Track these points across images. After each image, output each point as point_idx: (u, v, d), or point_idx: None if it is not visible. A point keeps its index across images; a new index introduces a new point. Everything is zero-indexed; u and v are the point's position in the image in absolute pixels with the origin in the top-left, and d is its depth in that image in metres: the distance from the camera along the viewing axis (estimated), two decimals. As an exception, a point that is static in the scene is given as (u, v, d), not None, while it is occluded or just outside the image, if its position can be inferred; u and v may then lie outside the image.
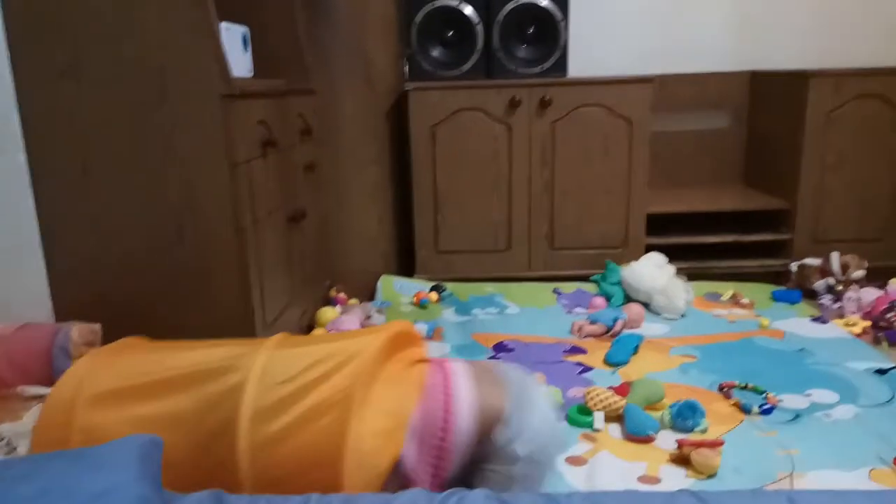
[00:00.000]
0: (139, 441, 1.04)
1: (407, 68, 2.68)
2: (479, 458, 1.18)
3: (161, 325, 1.77)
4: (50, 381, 1.51)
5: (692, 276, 2.66)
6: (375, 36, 2.58)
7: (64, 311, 1.72)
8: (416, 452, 1.15)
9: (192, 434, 1.15)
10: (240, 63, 1.90)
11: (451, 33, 2.63)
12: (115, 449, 1.02)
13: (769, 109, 2.90)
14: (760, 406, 1.72)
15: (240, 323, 1.76)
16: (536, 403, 1.23)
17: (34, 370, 1.57)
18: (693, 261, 2.71)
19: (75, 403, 1.18)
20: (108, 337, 1.66)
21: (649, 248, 2.65)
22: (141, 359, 1.27)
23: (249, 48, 1.99)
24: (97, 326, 1.65)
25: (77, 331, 1.61)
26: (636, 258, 2.58)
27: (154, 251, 1.71)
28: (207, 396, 1.16)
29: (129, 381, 1.21)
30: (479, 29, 2.59)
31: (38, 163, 1.67)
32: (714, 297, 2.57)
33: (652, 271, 2.46)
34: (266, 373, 1.16)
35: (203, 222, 1.69)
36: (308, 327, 2.27)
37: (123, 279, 1.73)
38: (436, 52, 2.63)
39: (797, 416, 1.70)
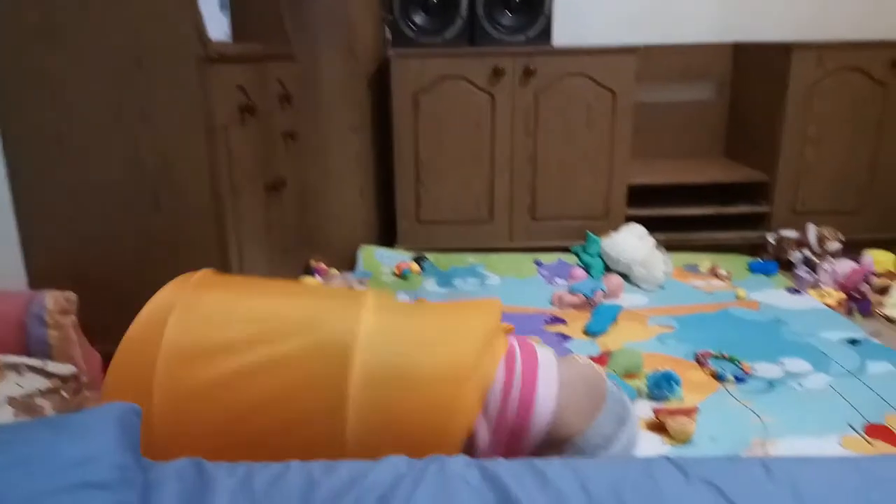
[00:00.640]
0: (119, 409, 1.03)
1: (389, 35, 2.63)
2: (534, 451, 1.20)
3: (137, 294, 1.75)
4: (24, 349, 1.50)
5: (671, 247, 2.68)
6: (357, 0, 2.52)
7: (38, 279, 1.69)
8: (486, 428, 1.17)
9: (292, 390, 1.12)
10: (217, 26, 1.85)
11: (433, -1, 2.58)
12: (94, 417, 1.01)
13: (751, 81, 2.90)
14: (735, 375, 1.75)
15: (219, 292, 1.74)
16: (629, 422, 1.24)
17: (8, 339, 1.55)
18: (672, 232, 2.73)
19: (157, 350, 1.16)
20: (83, 306, 1.64)
21: (630, 220, 2.67)
22: (228, 305, 1.22)
23: (227, 11, 1.94)
24: (72, 295, 1.62)
25: (52, 299, 1.58)
26: (616, 229, 2.59)
27: (130, 219, 1.69)
28: (309, 352, 1.14)
29: (217, 331, 1.17)
30: (463, -5, 2.55)
31: (10, 128, 1.62)
32: (692, 269, 2.59)
33: (632, 242, 2.47)
34: (374, 340, 1.15)
35: (180, 190, 1.67)
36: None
37: (99, 247, 1.71)
38: (418, 19, 2.59)
39: (771, 384, 1.73)
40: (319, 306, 1.22)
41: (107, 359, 1.69)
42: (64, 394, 1.54)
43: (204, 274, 1.33)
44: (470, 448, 1.16)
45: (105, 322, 1.75)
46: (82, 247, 1.71)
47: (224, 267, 1.72)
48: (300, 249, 2.48)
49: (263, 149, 2.02)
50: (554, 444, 1.19)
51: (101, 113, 1.61)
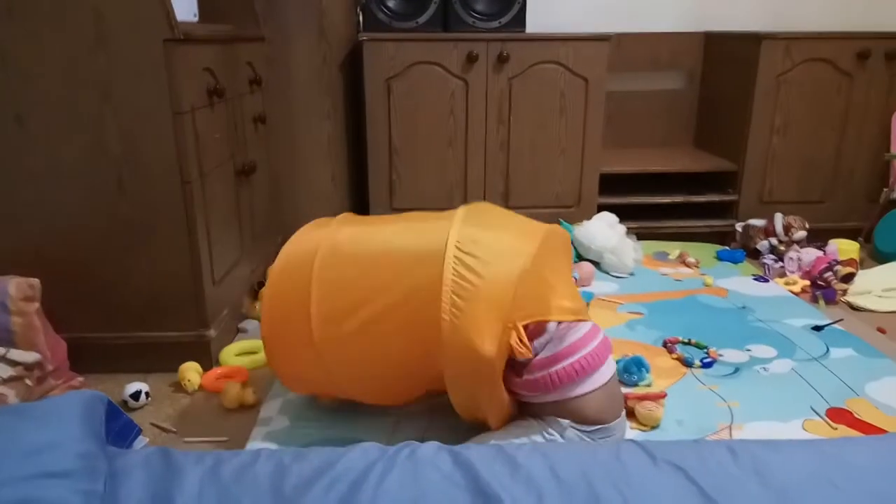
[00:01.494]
0: (83, 397, 1.02)
1: (361, 18, 2.60)
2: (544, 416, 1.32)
3: (102, 281, 1.72)
4: (-14, 336, 1.46)
5: (642, 235, 2.71)
6: (328, -17, 2.49)
7: (0, 265, 1.65)
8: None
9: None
10: (185, 6, 1.81)
11: (407, -17, 2.56)
12: (57, 405, 1.00)
13: (721, 71, 2.93)
14: (702, 360, 1.78)
15: (186, 279, 1.72)
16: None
17: (-31, 326, 1.51)
18: (643, 220, 2.76)
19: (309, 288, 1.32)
20: (48, 293, 1.60)
21: (601, 208, 2.69)
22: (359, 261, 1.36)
23: (195, -9, 1.90)
24: (35, 281, 1.59)
25: (15, 286, 1.55)
26: (588, 217, 2.61)
27: (94, 204, 1.65)
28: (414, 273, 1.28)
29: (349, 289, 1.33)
30: (436, -20, 2.52)
31: (-33, 109, 1.57)
32: (662, 256, 2.62)
33: (604, 230, 2.49)
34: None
35: (146, 174, 1.63)
36: (259, 284, 2.23)
37: (62, 233, 1.67)
38: (391, 3, 2.56)
39: (737, 370, 1.77)
40: (425, 231, 1.37)
41: (72, 346, 1.66)
42: (28, 382, 1.51)
43: (344, 217, 1.54)
44: (517, 361, 1.28)
45: (70, 309, 1.72)
46: (45, 232, 1.67)
47: (192, 252, 1.70)
48: (271, 235, 2.45)
49: (233, 132, 1.99)
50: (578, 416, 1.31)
51: (61, 94, 1.57)
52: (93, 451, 0.92)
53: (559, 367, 1.28)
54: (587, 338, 1.32)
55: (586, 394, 1.30)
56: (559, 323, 1.32)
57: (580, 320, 1.34)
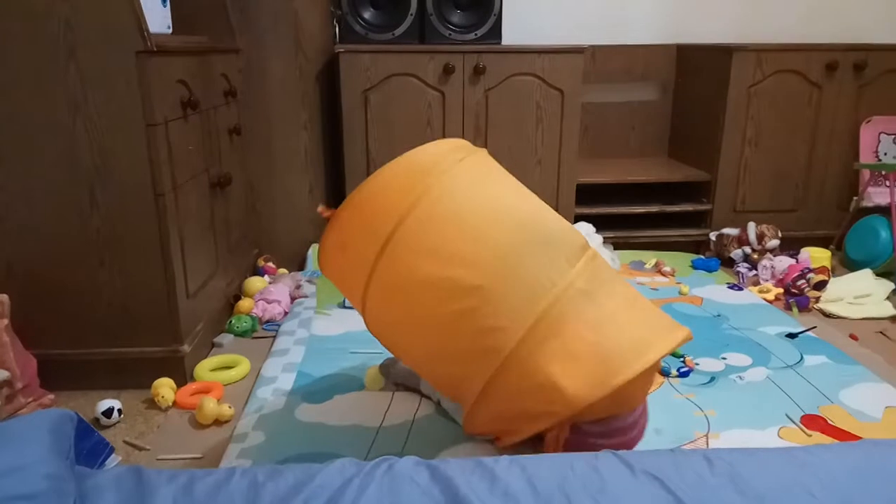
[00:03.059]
0: (51, 416, 0.99)
1: (337, 30, 2.60)
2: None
3: (73, 296, 1.69)
4: (-49, 355, 1.42)
5: (618, 244, 2.73)
6: (304, -5, 2.48)
7: (-34, 280, 1.61)
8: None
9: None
10: (157, 17, 1.79)
11: (383, -5, 2.56)
12: (24, 425, 0.97)
13: (694, 83, 2.97)
14: (679, 369, 1.80)
15: (159, 293, 1.69)
16: None
17: (-67, 344, 1.47)
18: (619, 230, 2.78)
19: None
20: (17, 309, 1.57)
21: (578, 218, 2.70)
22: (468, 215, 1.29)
23: (168, 2, 1.88)
24: (4, 297, 1.55)
25: (-19, 301, 1.51)
26: (566, 227, 2.62)
27: (65, 217, 1.62)
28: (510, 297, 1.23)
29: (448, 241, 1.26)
30: (412, -8, 2.53)
31: (-68, 120, 1.54)
32: (638, 266, 2.64)
33: (581, 240, 2.50)
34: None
35: (118, 187, 1.61)
36: (235, 297, 2.21)
37: (33, 247, 1.63)
38: (367, 14, 2.56)
39: (713, 378, 1.78)
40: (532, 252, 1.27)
41: (43, 363, 1.63)
42: (-5, 400, 1.47)
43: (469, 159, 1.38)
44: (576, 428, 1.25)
45: (40, 324, 1.69)
46: (15, 246, 1.63)
47: (165, 266, 1.67)
48: (247, 248, 2.43)
49: (208, 144, 1.97)
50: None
51: (32, 106, 1.54)
52: (61, 473, 0.90)
53: (601, 441, 1.25)
54: (636, 422, 1.34)
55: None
56: None
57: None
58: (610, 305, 1.25)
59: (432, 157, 1.33)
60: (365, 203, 1.31)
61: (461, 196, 1.29)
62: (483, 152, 1.43)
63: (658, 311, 1.32)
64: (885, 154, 2.77)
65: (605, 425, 1.27)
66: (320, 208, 1.44)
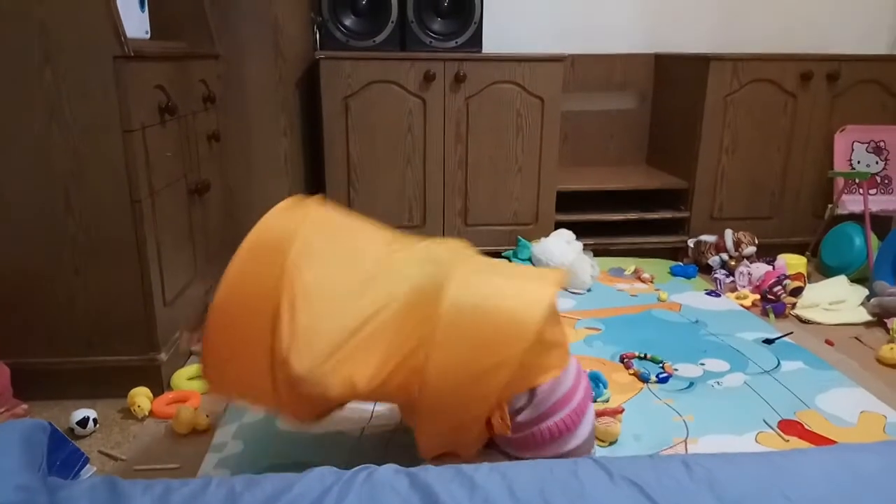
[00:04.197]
0: (22, 426, 0.97)
1: (318, 36, 2.59)
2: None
3: (47, 303, 1.66)
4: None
5: (598, 251, 2.75)
6: (284, 0, 2.47)
7: (-64, 288, 1.58)
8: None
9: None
10: (135, 23, 1.78)
11: (364, 1, 2.56)
12: (-6, 436, 0.95)
13: (672, 92, 3.01)
14: (658, 375, 1.81)
15: (135, 301, 1.67)
16: None
17: None
18: (599, 237, 2.80)
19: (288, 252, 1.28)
20: (-13, 316, 1.54)
21: (558, 225, 2.72)
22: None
23: (146, 7, 1.87)
24: (-25, 305, 1.52)
25: (-49, 310, 1.48)
26: (546, 234, 2.63)
27: (40, 223, 1.59)
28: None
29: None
30: (393, -1, 2.54)
31: None
32: (618, 272, 2.66)
33: (561, 247, 2.52)
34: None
35: (94, 193, 1.59)
36: (213, 304, 2.18)
37: (6, 254, 1.61)
38: (348, 21, 2.56)
39: (691, 384, 1.79)
40: (423, 274, 1.27)
41: (16, 372, 1.60)
42: (-35, 411, 1.44)
43: (316, 212, 1.43)
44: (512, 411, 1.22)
45: (13, 333, 1.66)
46: (-13, 253, 1.60)
47: (142, 273, 1.65)
48: (226, 255, 2.40)
49: (186, 150, 1.95)
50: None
51: (5, 111, 1.51)
52: (33, 484, 0.88)
53: (545, 424, 1.23)
54: (571, 393, 1.27)
55: (577, 447, 1.26)
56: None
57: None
58: (495, 281, 1.26)
59: (278, 233, 1.36)
60: (231, 302, 1.27)
61: (320, 252, 1.32)
62: (315, 206, 1.44)
63: (524, 268, 1.38)
64: (859, 163, 2.82)
65: (539, 406, 1.23)
66: (184, 337, 1.39)
